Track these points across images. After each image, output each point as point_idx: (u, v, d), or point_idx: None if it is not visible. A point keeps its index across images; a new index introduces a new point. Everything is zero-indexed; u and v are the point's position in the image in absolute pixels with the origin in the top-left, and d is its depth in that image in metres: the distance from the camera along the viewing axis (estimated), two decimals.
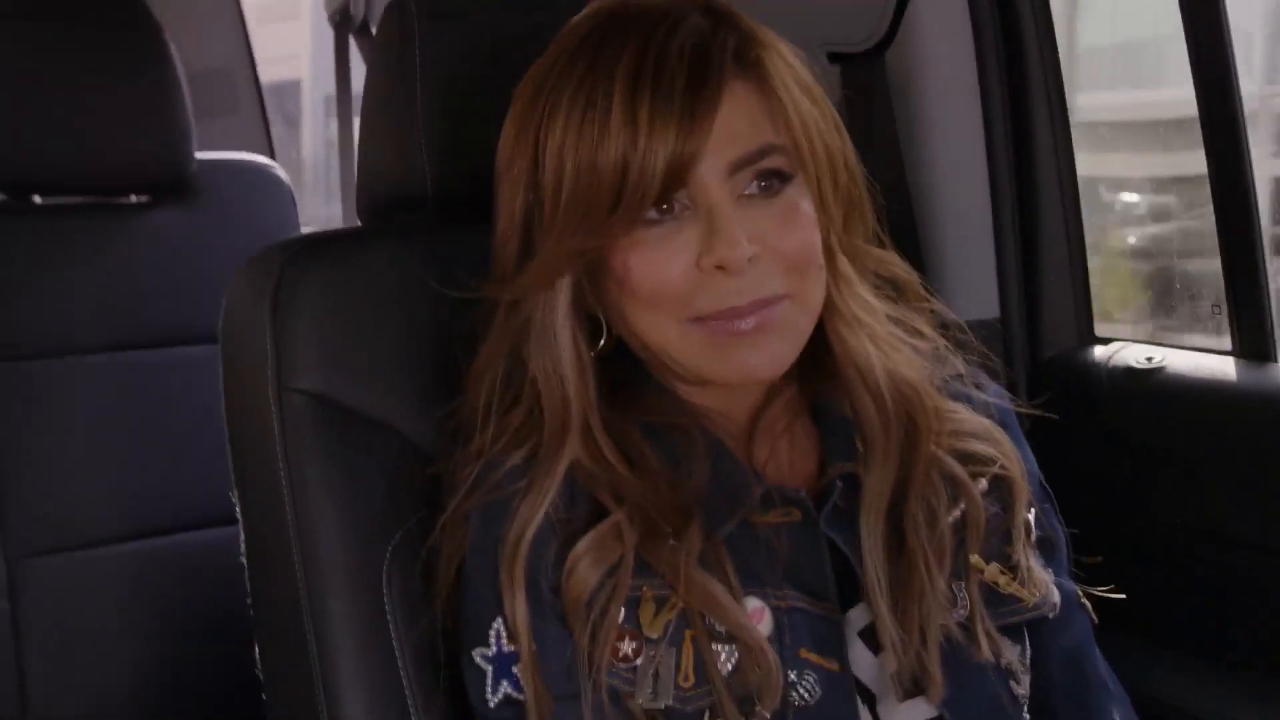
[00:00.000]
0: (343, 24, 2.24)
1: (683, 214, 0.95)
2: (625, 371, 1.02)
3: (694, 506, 0.96)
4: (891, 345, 1.02)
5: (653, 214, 0.94)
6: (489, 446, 0.98)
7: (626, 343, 1.01)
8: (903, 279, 1.06)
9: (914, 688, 0.98)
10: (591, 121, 0.93)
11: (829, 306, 1.00)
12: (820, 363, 1.03)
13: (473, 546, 0.97)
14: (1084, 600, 1.09)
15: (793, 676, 0.95)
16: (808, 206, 0.97)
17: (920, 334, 1.06)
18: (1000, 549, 1.03)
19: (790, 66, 0.98)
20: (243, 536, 1.11)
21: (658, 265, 0.94)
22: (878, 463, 1.00)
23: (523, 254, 0.98)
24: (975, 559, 1.01)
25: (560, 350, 0.98)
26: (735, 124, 0.94)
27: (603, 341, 1.00)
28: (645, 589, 0.95)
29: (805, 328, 0.98)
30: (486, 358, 1.00)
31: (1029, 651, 1.04)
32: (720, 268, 0.93)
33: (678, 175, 0.92)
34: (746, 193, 0.95)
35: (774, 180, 0.96)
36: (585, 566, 0.94)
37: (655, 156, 0.91)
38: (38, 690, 1.79)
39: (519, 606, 0.94)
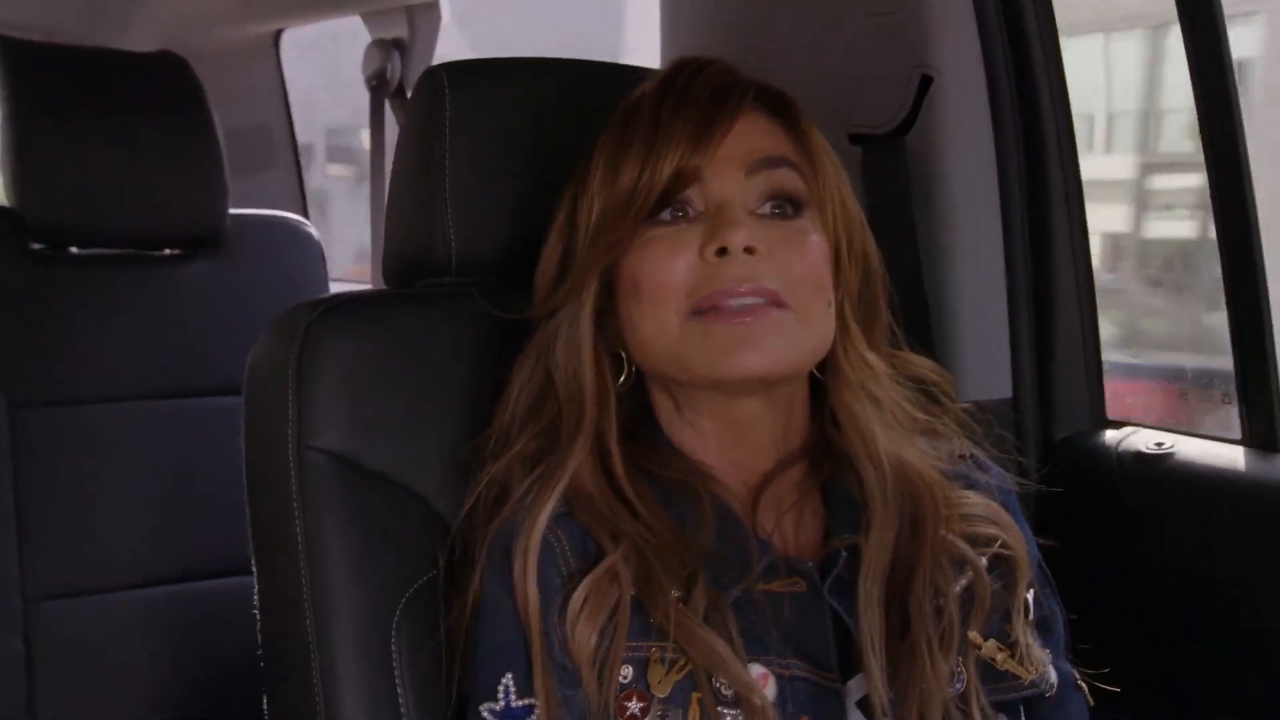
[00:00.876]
0: (379, 87, 2.28)
1: (695, 217, 1.01)
2: (642, 427, 1.06)
3: (700, 563, 0.98)
4: (899, 425, 1.04)
5: (665, 216, 1.01)
6: (510, 449, 1.03)
7: (644, 373, 1.05)
8: (929, 379, 1.09)
9: None
10: (619, 147, 1.01)
11: (834, 369, 1.04)
12: (830, 446, 1.05)
13: (487, 570, 1.00)
14: (1080, 683, 1.09)
15: None
16: (819, 240, 1.02)
17: (931, 413, 1.08)
18: (1000, 627, 1.04)
19: (814, 129, 1.05)
20: (256, 588, 1.13)
21: (665, 259, 1.00)
22: (877, 529, 1.01)
23: (557, 279, 1.05)
24: (974, 635, 1.02)
25: (583, 361, 1.03)
26: (753, 138, 1.02)
27: (623, 377, 1.05)
28: (653, 649, 0.97)
29: (805, 342, 1.01)
30: (517, 375, 1.05)
31: None
32: (722, 251, 0.98)
33: (685, 176, 0.99)
34: (760, 211, 1.01)
35: (787, 206, 1.02)
36: (585, 620, 0.96)
37: (664, 162, 0.99)
38: None
39: (531, 596, 0.96)
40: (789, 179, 1.02)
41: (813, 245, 1.01)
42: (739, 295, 0.98)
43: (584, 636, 0.95)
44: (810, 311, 1.00)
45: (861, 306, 1.06)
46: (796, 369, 1.02)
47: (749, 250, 0.98)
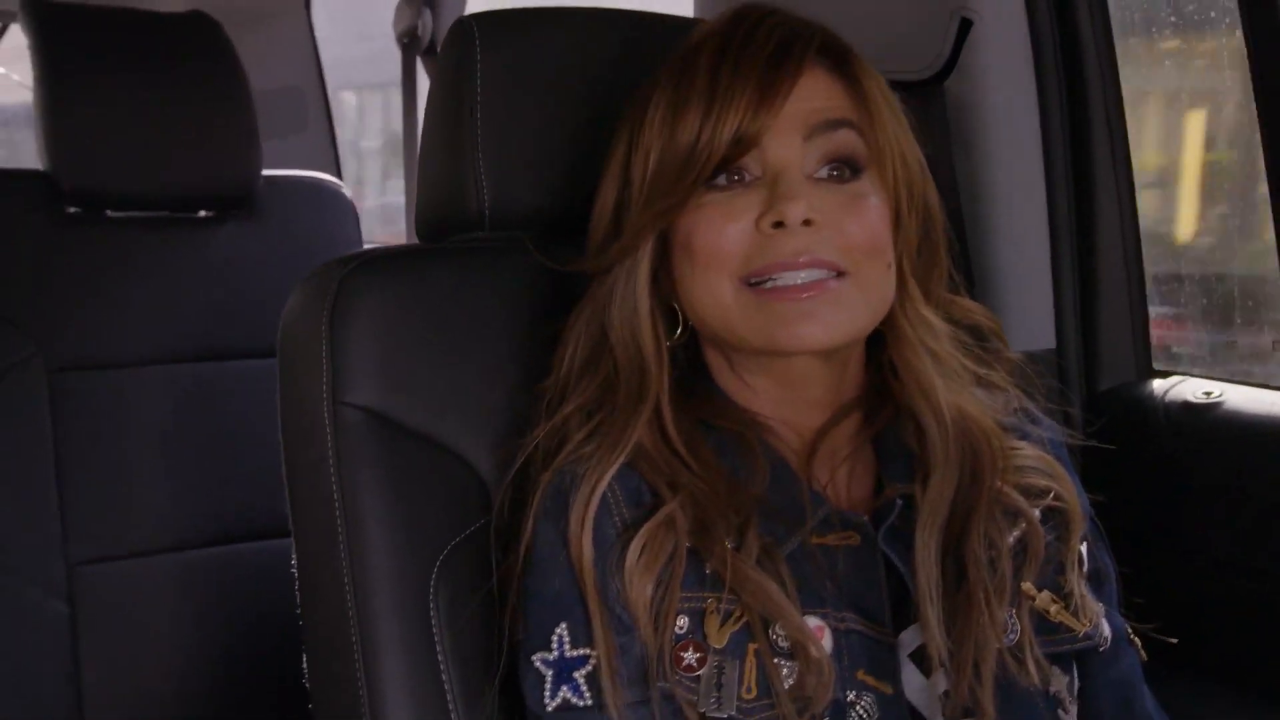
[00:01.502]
0: (410, 45, 2.27)
1: (752, 183, 0.99)
2: (696, 378, 1.06)
3: (753, 509, 0.98)
4: (957, 377, 1.04)
5: (721, 180, 0.99)
6: (565, 409, 1.02)
7: (697, 330, 1.04)
8: (984, 326, 1.08)
9: (963, 711, 0.98)
10: (677, 102, 0.98)
11: (894, 328, 1.03)
12: (885, 394, 1.05)
13: (541, 518, 0.99)
14: (1133, 638, 1.08)
15: (851, 697, 0.97)
16: (878, 202, 1.00)
17: (986, 365, 1.07)
18: (1054, 578, 1.03)
19: (880, 84, 1.03)
20: (294, 547, 1.13)
21: (719, 225, 0.98)
22: (937, 480, 1.01)
23: (611, 233, 1.03)
24: (1027, 586, 1.01)
25: (640, 319, 1.02)
26: (814, 99, 0.99)
27: (679, 331, 1.04)
28: (710, 600, 0.96)
29: (863, 310, 1.00)
30: (569, 327, 1.05)
31: (1077, 682, 1.04)
32: (779, 224, 0.96)
33: (745, 141, 0.97)
34: (818, 175, 0.99)
35: (845, 168, 1.00)
36: (641, 570, 0.96)
37: (725, 124, 0.96)
38: (92, 693, 1.82)
39: (586, 551, 0.96)
40: (848, 140, 1.00)
41: (871, 209, 1.00)
42: (796, 268, 0.97)
43: (641, 586, 0.95)
44: (869, 277, 0.99)
45: (921, 257, 1.04)
46: (856, 336, 1.02)
47: (807, 222, 0.97)
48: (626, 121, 1.04)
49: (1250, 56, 1.28)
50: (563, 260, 1.08)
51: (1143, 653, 1.08)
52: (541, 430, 1.03)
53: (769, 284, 0.98)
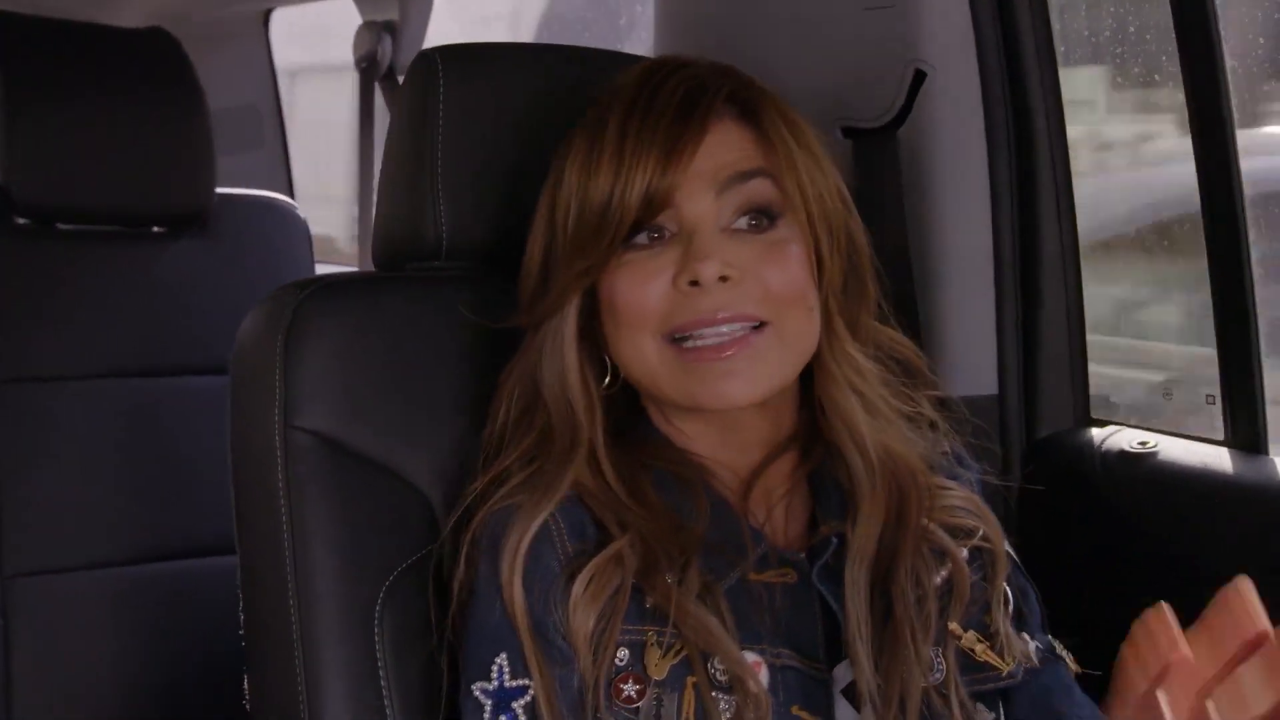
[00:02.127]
0: (369, 70, 2.27)
1: (669, 240, 1.00)
2: (635, 420, 1.07)
3: (696, 546, 0.99)
4: (884, 417, 1.05)
5: (640, 239, 1.00)
6: (502, 464, 1.03)
7: (630, 382, 1.05)
8: (911, 361, 1.10)
9: None
10: (592, 158, 0.99)
11: (820, 365, 1.04)
12: (817, 431, 1.06)
13: (479, 555, 1.00)
14: (1062, 652, 1.10)
15: None
16: (799, 250, 1.01)
17: (913, 405, 1.09)
18: (979, 618, 1.05)
19: (792, 123, 1.03)
20: (239, 567, 1.13)
21: (638, 284, 1.00)
22: (864, 517, 1.02)
23: (540, 285, 1.04)
24: (954, 626, 1.03)
25: (568, 371, 1.03)
26: (723, 154, 1.00)
27: (607, 380, 1.05)
28: (650, 633, 0.98)
29: (784, 361, 1.01)
30: (503, 384, 1.06)
31: (1002, 717, 1.06)
32: (694, 283, 0.98)
33: (656, 201, 0.98)
34: (735, 226, 1.00)
35: (762, 218, 1.01)
36: (586, 603, 0.97)
37: (634, 185, 0.98)
38: (23, 708, 1.79)
39: (517, 597, 0.97)
40: (761, 189, 1.01)
41: (790, 256, 1.01)
42: (715, 323, 0.98)
43: (584, 618, 0.96)
44: (790, 326, 1.01)
45: (848, 291, 1.05)
46: (780, 386, 1.03)
47: (723, 278, 0.98)
48: (551, 174, 1.05)
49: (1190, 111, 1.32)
50: (496, 314, 1.09)
51: (1074, 665, 1.10)
52: (481, 482, 1.03)
53: (689, 342, 0.99)
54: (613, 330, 1.02)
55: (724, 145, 1.00)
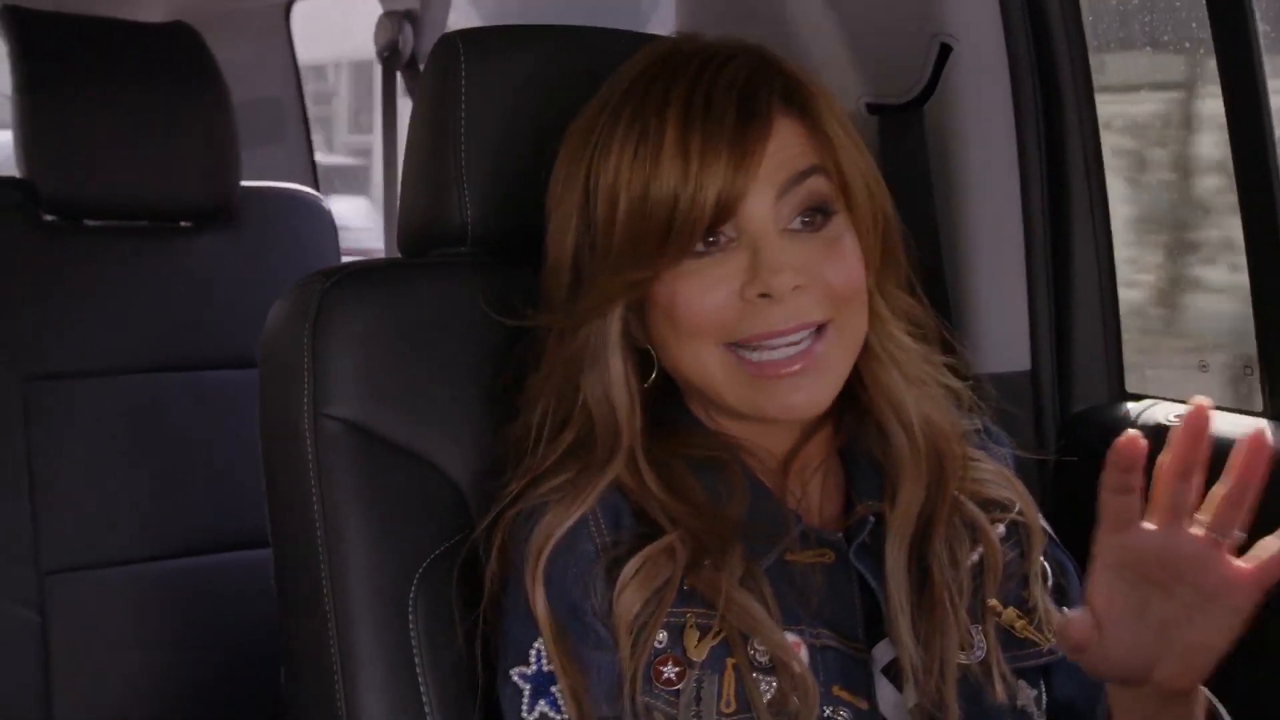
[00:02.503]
0: (390, 59, 2.27)
1: (728, 246, 0.98)
2: (667, 407, 1.05)
3: (736, 532, 0.98)
4: (924, 387, 1.05)
5: (700, 246, 0.97)
6: (539, 465, 1.02)
7: (672, 377, 1.04)
8: (931, 331, 1.09)
9: (929, 717, 0.99)
10: (644, 156, 0.96)
11: (864, 346, 1.03)
12: (854, 403, 1.06)
13: (512, 545, 1.00)
14: None
15: (828, 712, 0.98)
16: (851, 241, 1.00)
17: (951, 377, 1.08)
18: (1017, 594, 1.04)
19: (835, 109, 1.02)
20: (273, 559, 1.13)
21: (702, 294, 0.97)
22: (905, 493, 1.02)
23: (574, 284, 1.01)
24: (993, 602, 1.02)
25: (612, 377, 1.01)
26: (782, 154, 0.98)
27: (654, 375, 1.03)
28: (690, 615, 0.97)
29: (844, 362, 1.01)
30: (539, 383, 1.03)
31: (1045, 696, 1.06)
32: (765, 295, 0.96)
33: (728, 207, 0.96)
34: (791, 227, 0.98)
35: (817, 215, 0.99)
36: (634, 588, 0.96)
37: (706, 189, 0.95)
38: (62, 703, 1.81)
39: (539, 602, 0.96)
40: (818, 187, 0.99)
41: (847, 252, 1.00)
42: (786, 333, 0.97)
43: (629, 603, 0.96)
44: (849, 322, 1.00)
45: (886, 272, 1.05)
46: (840, 387, 1.02)
47: (795, 287, 0.97)
48: (579, 157, 1.00)
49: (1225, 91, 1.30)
50: (523, 303, 1.06)
51: None
52: (516, 486, 1.02)
53: (755, 354, 0.97)
54: (670, 336, 1.00)
55: (784, 143, 0.98)
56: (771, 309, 0.96)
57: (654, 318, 1.00)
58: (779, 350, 0.97)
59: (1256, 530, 1.27)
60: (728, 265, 0.97)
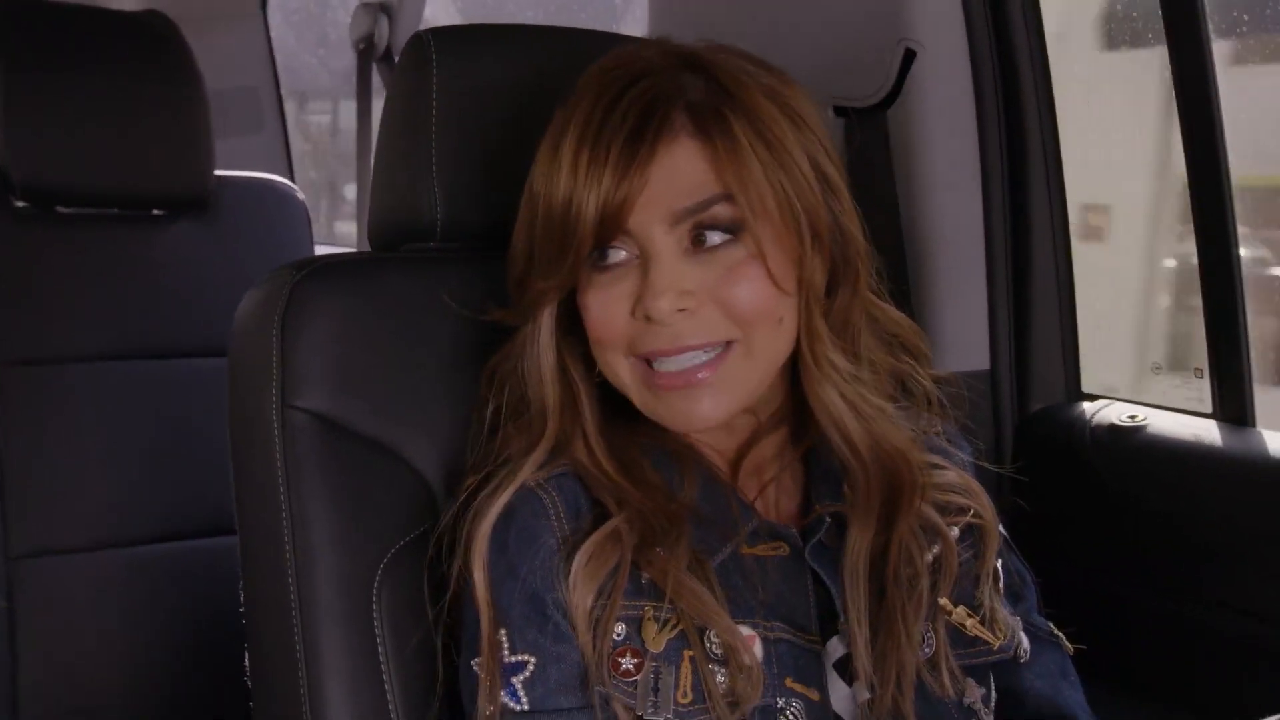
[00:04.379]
0: (366, 51, 2.28)
1: (628, 262, 0.99)
2: (626, 400, 1.06)
3: (685, 520, 1.00)
4: (872, 407, 1.04)
5: (605, 257, 0.99)
6: (491, 459, 1.04)
7: None
8: (910, 340, 1.09)
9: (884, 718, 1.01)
10: (553, 166, 0.98)
11: (802, 363, 1.03)
12: (809, 412, 1.06)
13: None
14: (1056, 634, 1.12)
15: (780, 703, 0.99)
16: (759, 267, 0.97)
17: (902, 391, 1.09)
18: (970, 593, 1.07)
19: (763, 124, 0.97)
20: (240, 546, 1.14)
21: (604, 309, 0.99)
22: (859, 516, 1.03)
23: (523, 280, 1.04)
24: (944, 601, 1.04)
25: (545, 375, 1.03)
26: (679, 177, 0.96)
27: (599, 368, 1.04)
28: (648, 608, 0.99)
29: (753, 377, 1.00)
30: (495, 375, 1.06)
31: (994, 695, 1.08)
32: (649, 318, 0.97)
33: (611, 221, 0.96)
34: (688, 247, 0.98)
35: (719, 234, 0.97)
36: (585, 578, 0.97)
37: (587, 202, 0.96)
38: (29, 690, 1.81)
39: (480, 585, 0.98)
40: (719, 214, 0.97)
41: (750, 274, 0.97)
42: (673, 353, 0.98)
43: (583, 595, 0.97)
44: (756, 340, 0.99)
45: (838, 282, 1.03)
46: (748, 402, 1.02)
47: (682, 309, 0.97)
48: (535, 163, 1.02)
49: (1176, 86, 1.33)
50: (491, 297, 1.09)
51: (1068, 645, 1.12)
52: (474, 480, 1.04)
53: (659, 364, 0.99)
54: (591, 343, 1.02)
55: (678, 170, 0.96)
56: (660, 330, 0.97)
57: (583, 321, 1.02)
58: (675, 364, 0.98)
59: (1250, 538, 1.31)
60: (625, 282, 0.98)
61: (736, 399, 1.00)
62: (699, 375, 0.98)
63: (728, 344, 0.99)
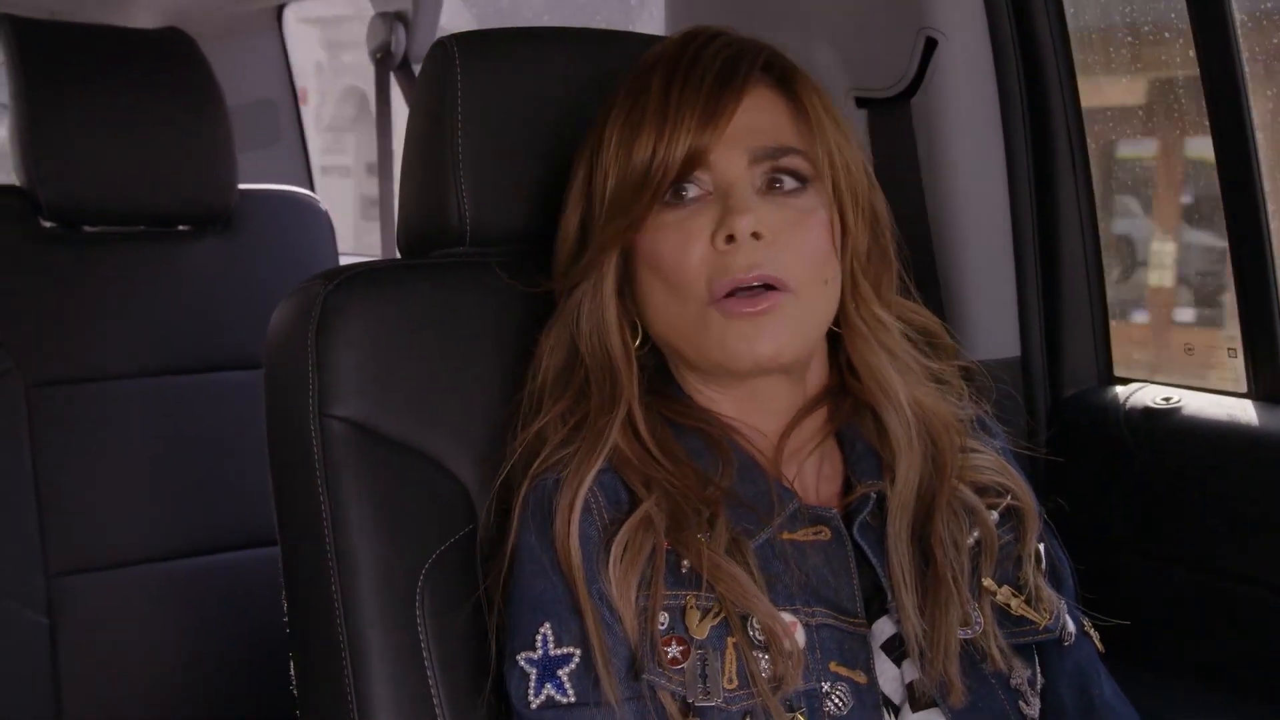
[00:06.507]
0: (384, 60, 2.29)
1: (704, 199, 1.03)
2: (664, 382, 1.09)
3: (720, 502, 1.01)
4: (913, 373, 1.08)
5: (682, 194, 1.03)
6: (541, 421, 1.06)
7: (658, 343, 1.08)
8: (933, 329, 1.12)
9: (929, 698, 1.02)
10: (631, 124, 1.03)
11: (849, 325, 1.07)
12: (847, 389, 1.09)
13: (523, 524, 1.02)
14: (1089, 629, 1.12)
15: (826, 687, 1.00)
16: (822, 215, 1.05)
17: (940, 371, 1.11)
18: (1012, 574, 1.07)
19: (824, 98, 1.07)
20: (281, 558, 1.15)
21: (680, 245, 1.03)
22: (903, 471, 1.05)
23: (577, 251, 1.07)
24: (988, 582, 1.05)
25: (608, 328, 1.06)
26: (759, 119, 1.04)
27: (639, 342, 1.07)
28: (689, 597, 1.00)
29: (809, 327, 1.05)
30: (544, 343, 1.08)
31: (1039, 676, 1.08)
32: (731, 238, 1.01)
33: (697, 156, 1.01)
34: (762, 188, 1.04)
35: (790, 179, 1.04)
36: (623, 569, 0.99)
37: (677, 143, 1.01)
38: (71, 704, 1.83)
39: (574, 550, 0.99)
40: (791, 163, 1.04)
41: (816, 223, 1.04)
42: (748, 282, 1.01)
43: (626, 584, 0.98)
44: (810, 292, 1.03)
45: (871, 260, 1.08)
46: (803, 354, 1.06)
47: (756, 235, 1.01)
48: (587, 144, 1.08)
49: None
50: (535, 281, 1.12)
51: (1099, 644, 1.12)
52: (521, 441, 1.06)
53: (731, 302, 1.02)
54: (656, 288, 1.04)
55: (760, 112, 1.04)
56: (737, 254, 1.01)
57: (642, 276, 1.05)
58: (747, 293, 1.02)
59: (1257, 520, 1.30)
60: (702, 217, 1.03)
61: (796, 343, 1.04)
62: (765, 305, 1.01)
63: (784, 287, 1.02)
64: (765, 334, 1.02)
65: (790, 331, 1.03)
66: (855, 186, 1.07)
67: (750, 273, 1.01)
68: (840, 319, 1.08)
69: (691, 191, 1.03)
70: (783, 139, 1.04)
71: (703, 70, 1.02)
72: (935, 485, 1.05)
